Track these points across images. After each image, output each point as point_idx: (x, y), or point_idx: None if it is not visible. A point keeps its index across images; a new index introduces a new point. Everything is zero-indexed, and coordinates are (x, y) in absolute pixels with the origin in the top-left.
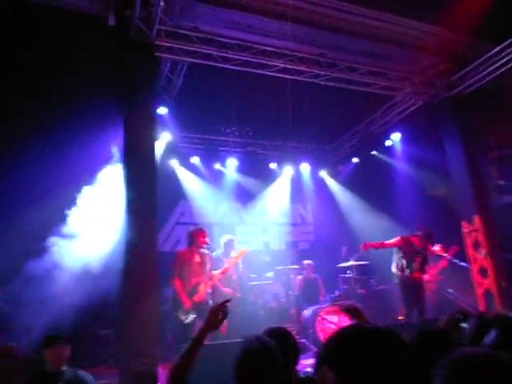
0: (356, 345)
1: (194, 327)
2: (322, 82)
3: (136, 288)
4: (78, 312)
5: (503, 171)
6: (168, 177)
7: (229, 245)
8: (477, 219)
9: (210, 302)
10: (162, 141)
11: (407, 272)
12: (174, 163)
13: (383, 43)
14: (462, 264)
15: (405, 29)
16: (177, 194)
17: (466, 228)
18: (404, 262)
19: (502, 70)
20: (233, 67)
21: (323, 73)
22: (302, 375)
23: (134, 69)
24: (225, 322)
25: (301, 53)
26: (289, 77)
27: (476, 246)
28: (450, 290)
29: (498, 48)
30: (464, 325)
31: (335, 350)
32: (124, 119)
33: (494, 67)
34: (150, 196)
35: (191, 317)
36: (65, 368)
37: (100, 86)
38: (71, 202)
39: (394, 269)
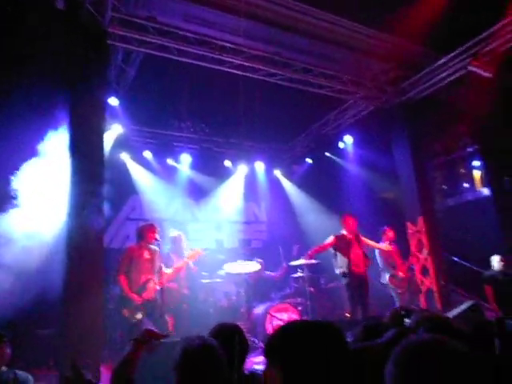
0: (294, 339)
1: (142, 326)
2: (277, 82)
3: (79, 285)
4: (15, 309)
5: (447, 176)
6: (118, 171)
7: (177, 240)
8: (420, 221)
9: (159, 299)
10: (113, 133)
11: (349, 268)
12: (125, 157)
13: (337, 47)
14: None
15: (358, 34)
16: (127, 188)
17: (410, 229)
18: (345, 259)
19: (449, 79)
20: (189, 61)
21: (278, 72)
22: (246, 372)
23: (83, 55)
24: (171, 320)
25: (257, 50)
26: (244, 74)
27: (419, 246)
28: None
29: (446, 59)
30: (407, 320)
31: (275, 344)
32: (70, 107)
33: (441, 76)
34: (97, 189)
35: (138, 315)
36: (4, 369)
37: (47, 70)
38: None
39: (337, 270)
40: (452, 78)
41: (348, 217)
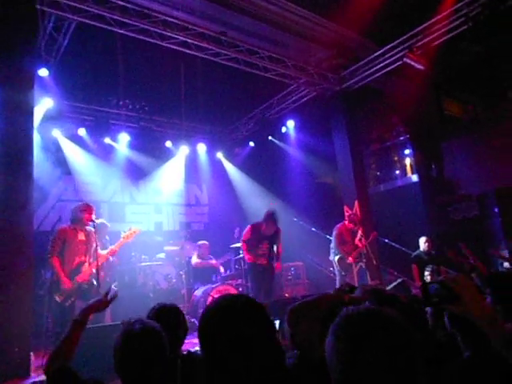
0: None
1: (74, 310)
2: (222, 62)
3: (7, 269)
4: None
5: (380, 163)
6: (49, 149)
7: (102, 228)
8: (356, 204)
9: (95, 282)
10: (43, 107)
11: (256, 258)
12: (57, 134)
13: (283, 31)
14: None
15: (304, 20)
16: (59, 168)
17: (346, 212)
18: (254, 249)
19: (386, 70)
20: (128, 33)
21: (223, 52)
22: (184, 352)
23: (8, 19)
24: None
25: (202, 28)
26: (188, 51)
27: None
28: (331, 269)
29: (383, 49)
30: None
31: (201, 322)
32: None
33: (378, 66)
34: (24, 168)
35: (71, 299)
36: None
37: None
38: None
39: (245, 256)
40: (388, 68)
41: (268, 217)
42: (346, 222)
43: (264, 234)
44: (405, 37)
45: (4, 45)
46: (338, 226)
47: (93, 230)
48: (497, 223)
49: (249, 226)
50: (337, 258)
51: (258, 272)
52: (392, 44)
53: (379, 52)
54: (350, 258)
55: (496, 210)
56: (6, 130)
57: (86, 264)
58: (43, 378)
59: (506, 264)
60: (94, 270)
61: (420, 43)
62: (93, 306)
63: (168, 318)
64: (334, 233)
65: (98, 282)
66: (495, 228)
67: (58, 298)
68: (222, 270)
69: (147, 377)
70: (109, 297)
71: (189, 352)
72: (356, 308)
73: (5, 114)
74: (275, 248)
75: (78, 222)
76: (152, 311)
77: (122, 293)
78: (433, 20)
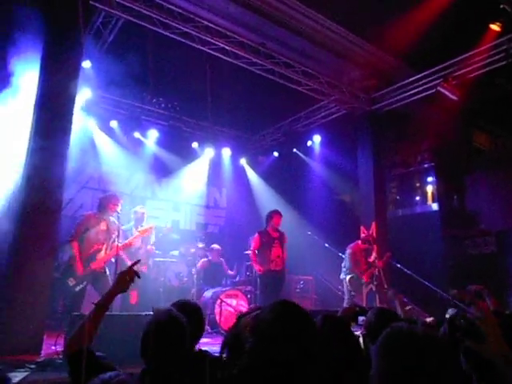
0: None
1: (85, 295)
2: (256, 71)
3: (30, 249)
4: None
5: (401, 188)
6: (82, 136)
7: (140, 217)
8: (373, 226)
9: (108, 271)
10: (82, 97)
11: (268, 265)
12: (91, 123)
13: (320, 47)
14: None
15: (343, 39)
16: (88, 155)
17: (363, 232)
18: (266, 256)
19: (418, 96)
20: (172, 36)
21: (260, 62)
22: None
23: (62, 11)
24: (135, 293)
25: (242, 37)
26: (225, 58)
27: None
28: (340, 287)
29: (418, 76)
30: (361, 317)
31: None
32: (43, 60)
33: (411, 92)
34: (60, 152)
35: (82, 284)
36: None
37: (22, 18)
38: None
39: (256, 267)
40: (421, 95)
41: (276, 214)
42: (360, 242)
43: (273, 236)
44: (442, 66)
45: (56, 35)
46: (352, 245)
47: (115, 221)
48: None
49: (256, 234)
50: (348, 277)
51: (269, 282)
52: (428, 72)
53: (414, 78)
54: (365, 277)
55: None
56: (49, 110)
57: (102, 252)
58: (53, 356)
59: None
60: (109, 259)
61: (456, 74)
62: (116, 288)
63: (190, 313)
64: (348, 252)
65: (115, 271)
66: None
67: (70, 282)
68: (230, 272)
69: (169, 364)
70: (128, 278)
71: (200, 349)
72: (404, 325)
73: (49, 100)
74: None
75: (103, 211)
76: (177, 304)
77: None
78: (472, 52)
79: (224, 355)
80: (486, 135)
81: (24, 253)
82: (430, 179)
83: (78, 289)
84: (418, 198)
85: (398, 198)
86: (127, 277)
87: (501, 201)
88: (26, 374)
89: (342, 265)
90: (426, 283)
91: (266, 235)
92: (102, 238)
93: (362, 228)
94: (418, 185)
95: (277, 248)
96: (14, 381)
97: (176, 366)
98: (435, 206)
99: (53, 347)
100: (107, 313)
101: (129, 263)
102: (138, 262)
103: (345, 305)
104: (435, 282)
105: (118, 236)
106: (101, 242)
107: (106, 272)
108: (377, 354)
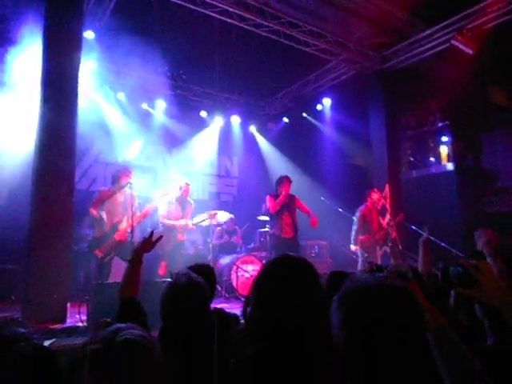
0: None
1: (112, 265)
2: (262, 33)
3: (48, 222)
4: None
5: (415, 149)
6: (89, 110)
7: (184, 190)
8: (387, 188)
9: (130, 240)
10: (86, 69)
11: (281, 231)
12: (98, 96)
13: (327, 4)
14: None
15: None
16: (98, 129)
17: (375, 193)
18: (278, 221)
19: (431, 52)
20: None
21: (265, 23)
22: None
23: None
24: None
25: None
26: (229, 20)
27: (382, 212)
28: None
29: (431, 30)
30: (378, 275)
31: None
32: (45, 33)
33: (424, 48)
34: (69, 126)
35: (110, 255)
36: None
37: None
38: None
39: (270, 229)
40: (434, 50)
41: (285, 180)
42: (368, 204)
43: (283, 203)
44: (455, 18)
45: (54, 5)
46: (361, 208)
47: (131, 192)
48: None
49: (268, 197)
50: (359, 239)
51: (283, 249)
52: (441, 25)
53: (426, 32)
54: (379, 238)
55: None
56: (54, 85)
57: (124, 223)
58: (78, 323)
59: None
60: (128, 230)
61: (471, 26)
62: (141, 247)
63: (205, 274)
64: (357, 215)
65: (132, 241)
66: None
67: (98, 254)
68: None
69: (188, 326)
70: (153, 238)
71: (215, 308)
72: (362, 278)
73: (54, 72)
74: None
75: (116, 184)
76: (192, 267)
77: (181, 253)
78: (487, 1)
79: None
80: (503, 91)
81: (42, 228)
82: (444, 139)
83: (106, 260)
84: (432, 159)
85: (411, 159)
86: (151, 241)
87: None
88: (53, 340)
89: (353, 228)
90: (442, 244)
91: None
92: (120, 209)
93: (374, 190)
94: (432, 145)
95: (286, 216)
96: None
97: (193, 323)
98: (450, 166)
99: (77, 315)
100: None
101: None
102: (161, 237)
103: (359, 267)
104: (451, 242)
105: (131, 206)
106: (120, 213)
107: (130, 241)
108: (334, 303)
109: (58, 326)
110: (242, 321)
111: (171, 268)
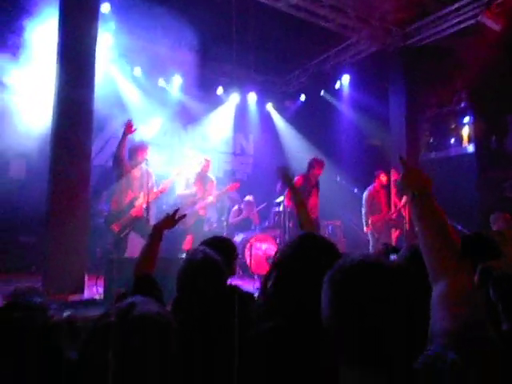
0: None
1: (128, 241)
2: (282, 8)
3: (66, 195)
4: None
5: (434, 130)
6: (106, 85)
7: (205, 165)
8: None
9: (145, 216)
10: (103, 43)
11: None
12: (114, 71)
13: None
14: None
15: None
16: (114, 104)
17: (393, 176)
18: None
19: (457, 28)
20: None
21: None
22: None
23: None
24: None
25: None
26: None
27: (399, 193)
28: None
29: (458, 4)
30: (393, 256)
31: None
32: (61, 4)
33: (449, 24)
34: (86, 100)
35: (126, 230)
36: None
37: None
38: None
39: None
40: (460, 26)
41: (319, 163)
42: (376, 185)
43: (313, 184)
44: None
45: None
46: (369, 188)
47: (146, 167)
48: None
49: (299, 175)
50: (370, 220)
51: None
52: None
53: (452, 7)
54: (388, 217)
55: None
56: (71, 58)
57: (140, 199)
58: (95, 295)
59: None
60: (144, 206)
61: (500, 0)
62: (162, 224)
63: (222, 249)
64: (365, 196)
65: (147, 217)
66: None
67: (114, 228)
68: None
69: (205, 302)
70: (177, 216)
71: (231, 285)
72: (354, 257)
73: (70, 45)
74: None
75: (133, 160)
76: (208, 242)
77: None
78: None
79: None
80: None
81: (60, 201)
82: (466, 120)
83: (122, 235)
84: (452, 141)
85: (431, 140)
86: (173, 218)
87: None
88: (71, 311)
89: (362, 211)
90: (460, 228)
91: (307, 181)
92: (136, 185)
93: (392, 171)
94: (453, 126)
95: (313, 197)
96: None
97: (209, 299)
98: (471, 148)
99: (94, 288)
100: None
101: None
102: (184, 215)
103: (370, 249)
104: (470, 226)
105: (148, 182)
106: (136, 189)
107: (146, 217)
108: (324, 284)
109: (76, 297)
110: (258, 298)
111: (195, 243)
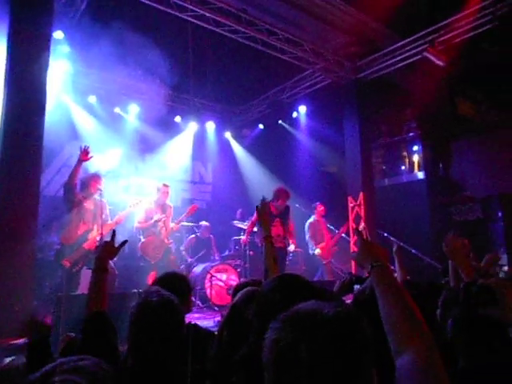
0: None
1: (80, 276)
2: (239, 39)
3: (12, 230)
4: None
5: (387, 157)
6: (58, 113)
7: (163, 192)
8: (361, 196)
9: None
10: (55, 71)
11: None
12: (67, 99)
13: (304, 14)
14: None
15: (325, 3)
16: (67, 133)
17: (351, 202)
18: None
19: (404, 63)
20: (147, 2)
21: (242, 29)
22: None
23: None
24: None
25: (222, 3)
26: (206, 25)
27: (357, 220)
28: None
29: (404, 42)
30: (357, 286)
31: None
32: (10, 31)
33: (397, 59)
34: (35, 130)
35: (78, 265)
36: None
37: None
38: None
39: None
40: (407, 61)
41: (283, 193)
42: (315, 216)
43: (274, 214)
44: (428, 30)
45: (22, 2)
46: (309, 220)
47: (100, 199)
48: (499, 228)
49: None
50: (316, 249)
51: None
52: (414, 37)
53: (400, 44)
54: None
55: (500, 214)
56: (20, 88)
57: (93, 232)
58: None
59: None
60: (98, 238)
61: (442, 38)
62: (104, 253)
63: (179, 286)
64: (306, 225)
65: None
66: (496, 232)
67: (65, 264)
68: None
69: (160, 350)
70: (116, 244)
71: (191, 323)
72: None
73: (20, 72)
74: (285, 227)
75: (86, 191)
76: (163, 277)
77: (120, 263)
78: (458, 15)
79: (224, 333)
80: (470, 103)
81: (4, 237)
82: (415, 148)
83: (74, 270)
84: (403, 168)
85: (384, 167)
86: (113, 246)
87: (485, 168)
88: (13, 357)
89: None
90: (413, 251)
91: (269, 211)
92: (89, 216)
93: (349, 199)
94: (404, 154)
95: (277, 227)
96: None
97: (166, 345)
98: (421, 175)
99: None
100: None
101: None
102: (125, 242)
103: (317, 276)
104: (422, 249)
105: (101, 214)
106: (89, 221)
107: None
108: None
109: (20, 341)
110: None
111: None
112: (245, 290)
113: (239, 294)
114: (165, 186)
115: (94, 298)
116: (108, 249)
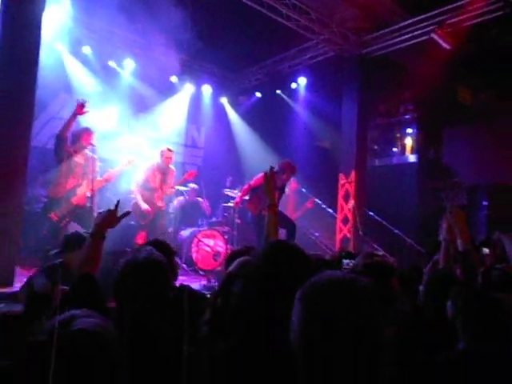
0: None
1: (67, 230)
2: (246, 1)
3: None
4: None
5: (381, 138)
6: (51, 62)
7: (166, 156)
8: (353, 174)
9: (88, 205)
10: (50, 18)
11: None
12: (62, 48)
13: None
14: (329, 210)
15: None
16: (59, 84)
17: (341, 179)
18: (258, 200)
19: (410, 42)
20: None
21: None
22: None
23: None
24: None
25: None
26: None
27: (346, 197)
28: (316, 234)
29: (412, 20)
30: (346, 261)
31: None
32: None
33: (404, 37)
34: (28, 77)
35: (65, 219)
36: None
37: None
38: None
39: (247, 205)
40: (414, 41)
41: (290, 167)
42: None
43: (276, 186)
44: (438, 11)
45: None
46: None
47: (91, 154)
48: (482, 216)
49: (262, 173)
50: None
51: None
52: (423, 15)
53: (408, 21)
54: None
55: (485, 203)
56: (14, 29)
57: (83, 187)
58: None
59: None
60: (88, 194)
61: (452, 20)
62: (104, 222)
63: (164, 249)
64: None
65: (92, 206)
66: (480, 221)
67: (53, 217)
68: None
69: (149, 310)
70: (118, 213)
71: (183, 285)
72: (329, 274)
73: (15, 11)
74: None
75: (77, 145)
76: (153, 243)
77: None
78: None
79: (218, 300)
80: (469, 90)
81: None
82: (409, 130)
83: (61, 224)
84: (396, 149)
85: (375, 147)
86: (116, 216)
87: (476, 156)
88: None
89: None
90: (399, 233)
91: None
92: (80, 171)
93: (340, 175)
94: (398, 135)
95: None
96: None
97: (154, 303)
98: (413, 158)
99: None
100: None
101: (141, 202)
102: (128, 213)
103: None
104: (408, 232)
105: (92, 169)
106: (79, 176)
107: (88, 207)
108: (296, 299)
109: (5, 290)
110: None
111: (155, 236)
112: (242, 258)
113: (235, 263)
114: (169, 150)
115: (86, 262)
116: (110, 218)
